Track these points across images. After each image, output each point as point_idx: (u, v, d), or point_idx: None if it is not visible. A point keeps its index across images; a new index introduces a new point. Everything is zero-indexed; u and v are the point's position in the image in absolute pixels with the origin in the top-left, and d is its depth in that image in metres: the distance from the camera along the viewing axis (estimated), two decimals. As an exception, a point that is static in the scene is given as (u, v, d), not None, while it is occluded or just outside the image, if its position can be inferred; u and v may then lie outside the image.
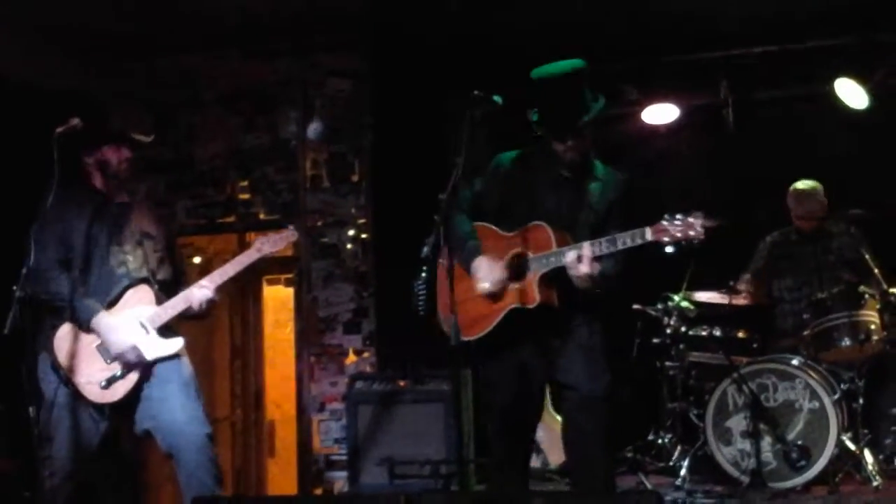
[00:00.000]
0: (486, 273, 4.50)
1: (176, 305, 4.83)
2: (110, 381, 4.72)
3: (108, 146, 4.84)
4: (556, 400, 5.32)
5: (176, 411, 4.75)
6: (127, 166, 4.91)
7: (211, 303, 4.86)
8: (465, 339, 4.40)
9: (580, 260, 4.29)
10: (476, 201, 4.71)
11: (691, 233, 4.15)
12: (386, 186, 7.62)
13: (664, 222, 4.20)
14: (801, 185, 6.88)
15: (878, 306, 6.20)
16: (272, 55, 7.85)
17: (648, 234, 4.22)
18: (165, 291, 4.91)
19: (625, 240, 4.28)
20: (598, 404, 4.48)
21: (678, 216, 4.18)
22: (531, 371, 4.56)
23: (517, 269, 4.51)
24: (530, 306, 4.42)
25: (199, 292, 4.83)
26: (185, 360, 4.89)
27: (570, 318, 4.53)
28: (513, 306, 4.47)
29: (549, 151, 4.62)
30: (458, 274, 4.33)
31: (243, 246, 8.80)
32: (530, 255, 4.48)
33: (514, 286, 4.49)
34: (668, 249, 4.19)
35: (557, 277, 4.42)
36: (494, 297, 4.51)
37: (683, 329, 6.67)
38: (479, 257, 4.54)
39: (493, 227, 4.64)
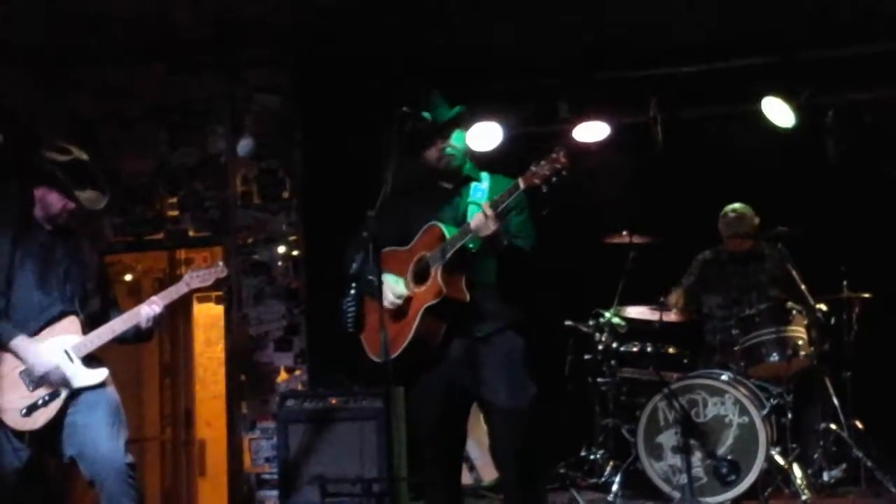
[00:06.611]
0: (388, 291, 4.47)
1: (102, 335, 4.75)
2: (31, 409, 4.61)
3: (56, 192, 4.75)
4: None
5: (99, 440, 4.65)
6: (67, 217, 4.82)
7: (160, 319, 4.81)
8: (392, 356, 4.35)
9: (486, 217, 4.25)
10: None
11: (557, 166, 4.16)
12: (317, 202, 7.56)
13: (532, 167, 4.20)
14: (732, 209, 6.95)
15: (805, 322, 6.30)
16: (198, 70, 7.71)
17: (521, 184, 4.23)
18: (92, 322, 4.81)
19: (504, 198, 4.27)
20: (521, 417, 4.41)
21: (543, 160, 4.19)
22: (455, 389, 4.49)
23: (421, 274, 4.46)
24: (438, 300, 4.35)
25: (149, 309, 4.77)
26: (111, 388, 4.81)
27: (490, 326, 4.46)
28: (425, 305, 4.40)
29: (425, 167, 4.62)
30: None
31: (173, 263, 8.70)
32: (427, 254, 4.45)
33: (421, 289, 4.44)
34: (544, 189, 4.18)
35: (461, 267, 4.38)
36: (405, 310, 4.46)
37: (615, 345, 6.69)
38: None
39: (394, 248, 4.57)
